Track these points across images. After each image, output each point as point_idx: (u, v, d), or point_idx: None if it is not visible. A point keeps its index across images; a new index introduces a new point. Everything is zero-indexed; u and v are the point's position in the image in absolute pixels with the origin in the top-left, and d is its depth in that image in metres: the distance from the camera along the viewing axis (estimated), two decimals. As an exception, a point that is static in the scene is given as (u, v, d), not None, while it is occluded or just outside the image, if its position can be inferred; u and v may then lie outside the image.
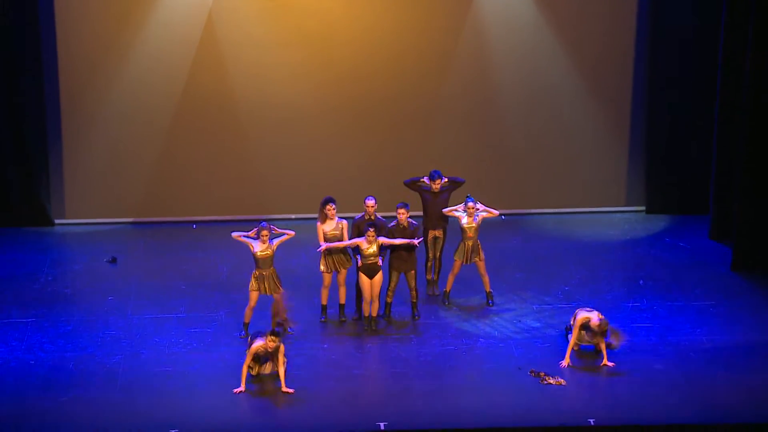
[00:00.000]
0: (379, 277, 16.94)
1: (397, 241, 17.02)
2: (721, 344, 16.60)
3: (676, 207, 21.02)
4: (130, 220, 20.71)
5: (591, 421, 14.70)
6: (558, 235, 20.32)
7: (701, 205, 20.54)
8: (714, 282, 18.48)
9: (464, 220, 17.49)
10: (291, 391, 15.39)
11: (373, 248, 16.86)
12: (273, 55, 20.25)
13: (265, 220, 17.21)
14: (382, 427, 14.59)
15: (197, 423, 14.71)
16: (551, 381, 15.61)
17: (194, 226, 20.64)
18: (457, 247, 17.58)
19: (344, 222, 17.11)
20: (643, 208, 21.19)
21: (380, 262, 16.93)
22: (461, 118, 20.71)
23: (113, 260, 19.22)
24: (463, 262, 17.57)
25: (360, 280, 16.99)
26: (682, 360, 16.15)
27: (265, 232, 16.54)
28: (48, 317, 17.30)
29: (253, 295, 16.65)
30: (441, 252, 18.11)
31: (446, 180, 17.98)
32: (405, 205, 17.21)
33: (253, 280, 16.64)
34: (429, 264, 18.18)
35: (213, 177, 20.66)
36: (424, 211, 18.03)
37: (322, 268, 17.10)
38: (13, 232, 20.18)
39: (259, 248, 16.55)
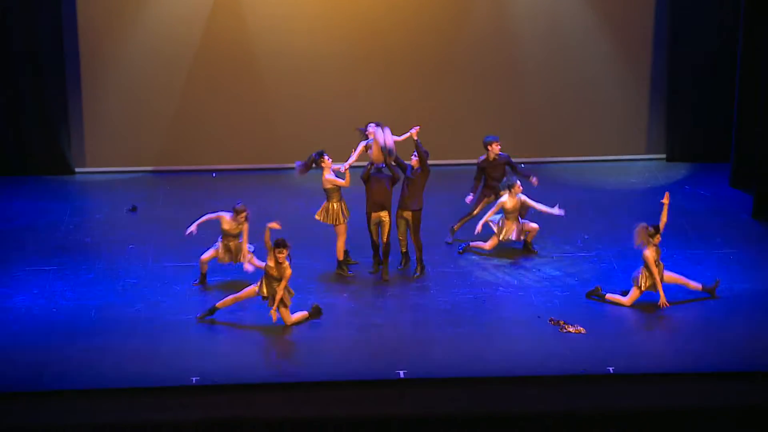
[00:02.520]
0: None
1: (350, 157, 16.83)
2: (741, 292, 16.58)
3: (697, 154, 20.93)
4: (151, 168, 20.75)
5: (610, 369, 14.73)
6: (578, 183, 20.27)
7: (722, 152, 20.44)
8: (734, 230, 18.44)
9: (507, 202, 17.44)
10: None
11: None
12: (291, 5, 20.17)
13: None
14: (402, 375, 14.65)
15: (218, 371, 14.79)
16: (570, 329, 15.64)
17: (214, 174, 20.67)
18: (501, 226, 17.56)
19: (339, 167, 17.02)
20: (663, 155, 21.12)
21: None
22: (480, 64, 20.62)
23: (134, 209, 19.28)
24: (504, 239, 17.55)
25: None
26: (701, 308, 16.14)
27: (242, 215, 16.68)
28: (69, 266, 17.39)
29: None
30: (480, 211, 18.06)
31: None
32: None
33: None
34: (465, 219, 18.12)
35: (233, 126, 20.67)
36: (479, 180, 18.00)
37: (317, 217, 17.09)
38: (34, 181, 20.26)
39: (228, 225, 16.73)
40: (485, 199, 18.07)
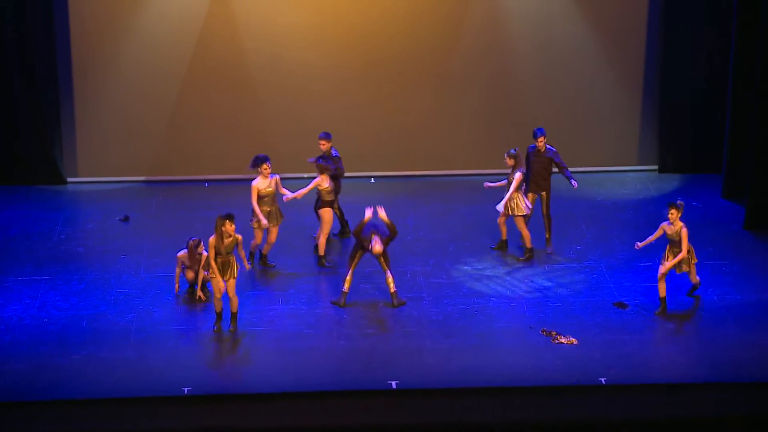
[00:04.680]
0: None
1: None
2: (733, 303, 16.61)
3: (689, 166, 20.95)
4: (143, 178, 20.73)
5: (602, 380, 14.73)
6: (570, 194, 20.23)
7: (714, 164, 20.47)
8: (726, 241, 18.45)
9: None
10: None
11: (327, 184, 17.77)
12: (285, 16, 20.18)
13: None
14: (394, 386, 14.64)
15: (209, 381, 14.78)
16: (563, 340, 15.65)
17: (206, 184, 20.66)
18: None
19: (276, 177, 17.39)
20: (655, 167, 21.13)
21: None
22: (474, 76, 20.61)
23: (126, 218, 19.26)
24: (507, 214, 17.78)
25: (326, 214, 17.65)
26: (694, 319, 16.16)
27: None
28: (61, 275, 17.37)
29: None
30: (548, 209, 18.07)
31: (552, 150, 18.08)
32: (327, 135, 17.97)
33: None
34: (526, 219, 18.07)
35: (225, 136, 20.65)
36: (528, 172, 18.03)
37: (255, 225, 17.34)
38: (26, 190, 20.22)
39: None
40: (531, 195, 18.05)
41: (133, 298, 16.73)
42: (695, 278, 16.45)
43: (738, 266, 17.64)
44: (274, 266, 17.53)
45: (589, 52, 20.61)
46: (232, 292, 15.80)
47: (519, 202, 17.62)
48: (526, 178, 17.89)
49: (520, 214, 17.64)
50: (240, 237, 15.91)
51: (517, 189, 17.58)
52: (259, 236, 17.43)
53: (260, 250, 17.58)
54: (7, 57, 19.85)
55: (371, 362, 15.27)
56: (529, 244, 17.84)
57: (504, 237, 18.08)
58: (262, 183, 17.27)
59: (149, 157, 20.67)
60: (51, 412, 14.15)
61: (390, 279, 16.60)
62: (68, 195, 20.31)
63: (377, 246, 16.34)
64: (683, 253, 16.15)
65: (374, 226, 16.52)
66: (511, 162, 17.67)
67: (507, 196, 17.55)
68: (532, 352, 15.43)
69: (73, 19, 19.97)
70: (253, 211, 17.28)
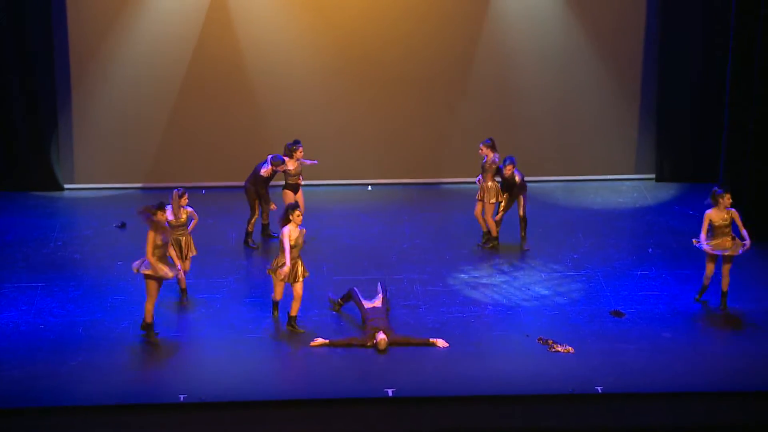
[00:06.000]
0: (301, 193, 18.44)
1: (308, 162, 18.71)
2: (731, 312, 16.59)
3: (686, 175, 20.97)
4: (140, 185, 20.73)
5: (599, 388, 14.72)
6: (567, 202, 20.29)
7: (711, 172, 20.48)
8: (723, 250, 18.46)
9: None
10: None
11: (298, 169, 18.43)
12: (283, 19, 20.19)
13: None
14: (390, 394, 14.62)
15: (205, 389, 14.75)
16: (559, 348, 15.64)
17: (203, 191, 20.65)
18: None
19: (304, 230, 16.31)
20: (652, 175, 21.15)
21: (301, 180, 18.58)
22: (471, 84, 20.65)
23: (123, 225, 19.26)
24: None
25: (285, 196, 18.22)
26: (690, 328, 16.16)
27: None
28: (57, 282, 17.35)
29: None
30: (524, 211, 18.32)
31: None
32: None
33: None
34: (498, 217, 18.45)
35: (222, 142, 20.66)
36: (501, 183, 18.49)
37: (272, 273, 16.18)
38: (23, 197, 20.22)
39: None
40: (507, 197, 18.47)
41: (129, 305, 16.70)
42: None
43: (735, 275, 17.57)
44: (303, 332, 16.05)
45: (586, 61, 20.63)
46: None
47: (493, 191, 18.21)
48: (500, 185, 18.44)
49: (494, 201, 18.21)
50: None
51: (492, 179, 18.19)
52: (279, 290, 16.21)
53: (288, 312, 16.19)
54: (4, 62, 19.85)
55: (367, 370, 15.25)
56: (485, 229, 18.40)
57: (485, 229, 18.41)
58: (293, 232, 15.95)
59: (146, 164, 20.68)
60: (47, 419, 14.13)
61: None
62: (65, 201, 20.30)
63: (382, 344, 15.56)
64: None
65: (374, 311, 16.13)
66: (486, 152, 18.09)
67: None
68: (528, 361, 15.41)
69: (71, 25, 19.98)
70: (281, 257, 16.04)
